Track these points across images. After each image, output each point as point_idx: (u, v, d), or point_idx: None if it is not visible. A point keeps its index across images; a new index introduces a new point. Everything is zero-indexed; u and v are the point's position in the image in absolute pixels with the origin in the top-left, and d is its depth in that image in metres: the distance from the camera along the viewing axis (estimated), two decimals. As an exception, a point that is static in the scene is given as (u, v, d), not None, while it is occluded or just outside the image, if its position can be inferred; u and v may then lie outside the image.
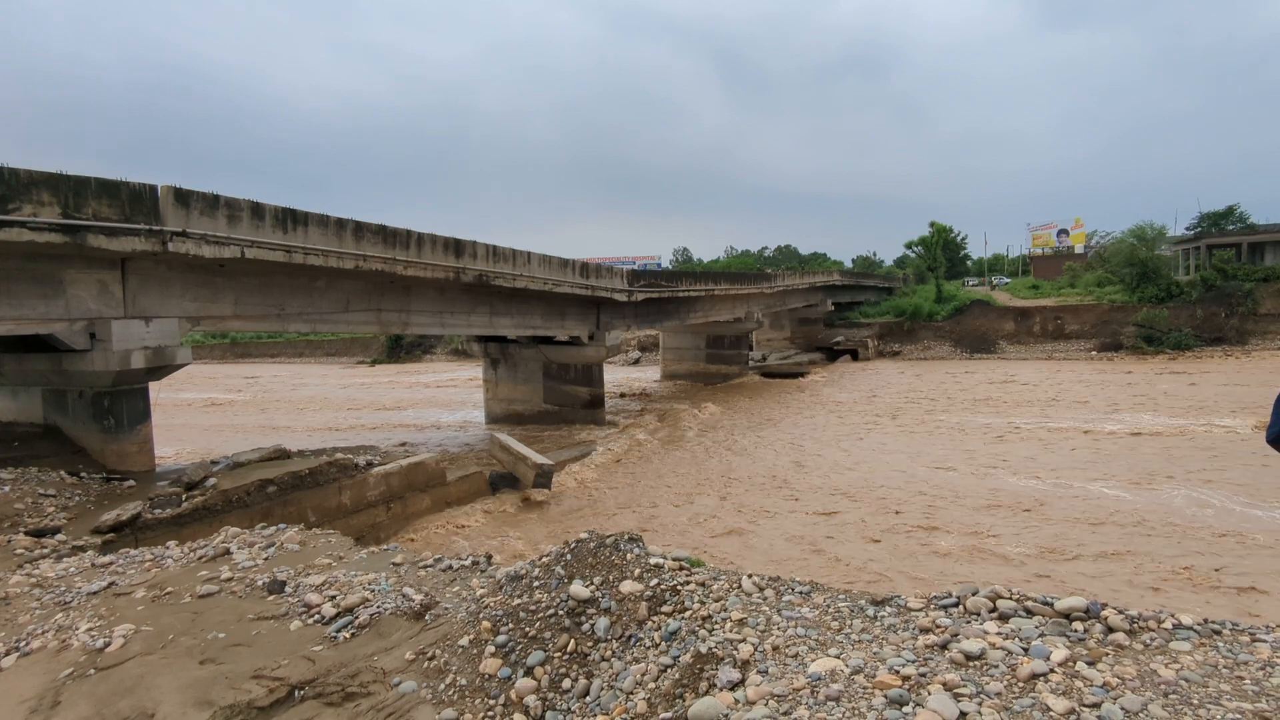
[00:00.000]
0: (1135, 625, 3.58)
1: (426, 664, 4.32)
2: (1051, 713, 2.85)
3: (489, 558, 6.51)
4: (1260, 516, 13.09)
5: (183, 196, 11.86)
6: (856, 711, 2.96)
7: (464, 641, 4.37)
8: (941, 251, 66.80)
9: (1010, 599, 3.90)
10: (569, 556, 4.80)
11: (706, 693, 3.33)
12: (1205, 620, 3.64)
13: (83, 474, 11.51)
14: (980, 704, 2.94)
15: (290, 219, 13.74)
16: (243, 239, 12.78)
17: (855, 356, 50.10)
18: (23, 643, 4.97)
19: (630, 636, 4.01)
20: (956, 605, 3.94)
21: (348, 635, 4.83)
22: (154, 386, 13.82)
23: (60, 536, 8.75)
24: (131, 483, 11.71)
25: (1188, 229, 62.54)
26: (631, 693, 3.58)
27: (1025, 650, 3.35)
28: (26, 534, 8.65)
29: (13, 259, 10.73)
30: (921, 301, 55.48)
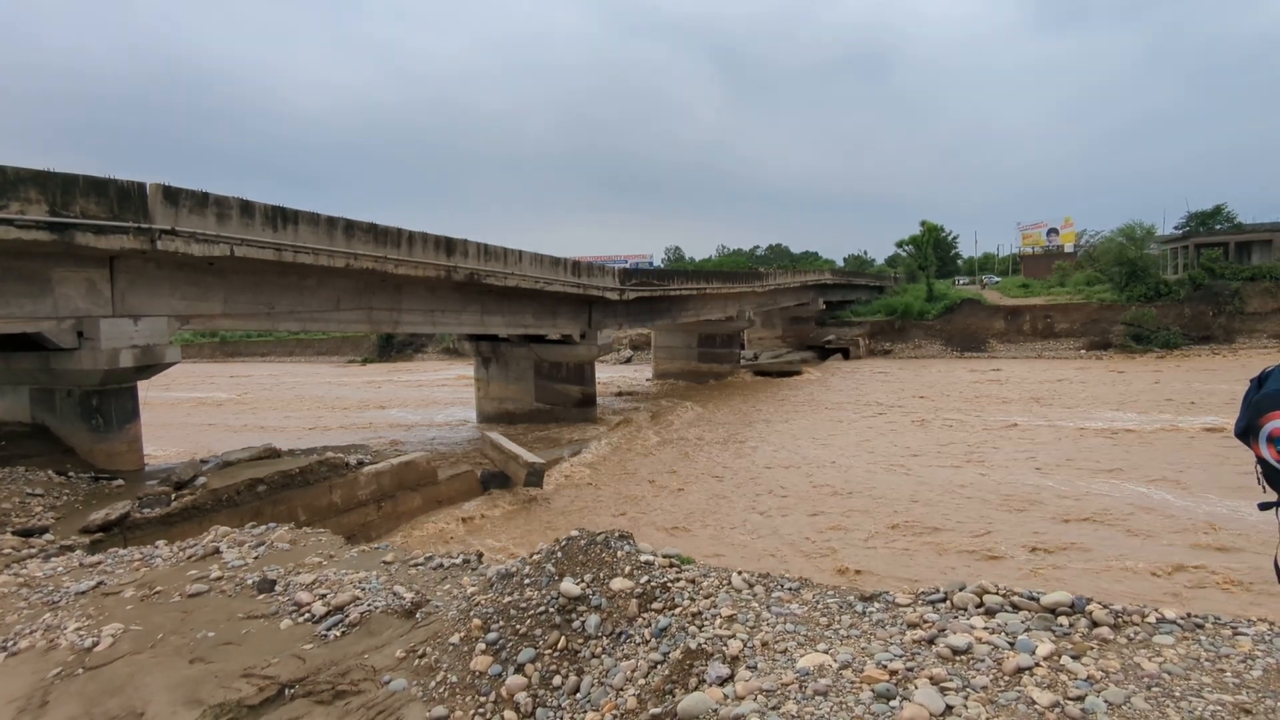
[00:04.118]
0: (1119, 620, 3.63)
1: (417, 662, 4.32)
2: (1036, 705, 2.89)
3: (480, 556, 6.51)
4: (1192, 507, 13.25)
5: (171, 194, 11.79)
6: (844, 705, 2.99)
7: (455, 639, 4.38)
8: (932, 250, 67.17)
9: (997, 594, 3.94)
10: (559, 554, 4.81)
11: (696, 688, 3.35)
12: (1188, 614, 3.69)
13: (71, 473, 11.43)
14: (966, 697, 2.97)
15: (280, 217, 13.69)
16: (232, 237, 12.72)
17: (847, 355, 50.29)
18: (10, 642, 4.94)
19: (620, 633, 4.03)
20: (944, 601, 3.98)
21: (338, 633, 4.82)
22: (142, 385, 13.74)
23: (48, 536, 8.69)
24: (120, 482, 11.64)
25: (1176, 228, 63.10)
26: (622, 689, 3.60)
27: (1011, 645, 3.39)
28: (14, 534, 8.59)
29: (0, 256, 10.65)
30: (912, 300, 55.73)
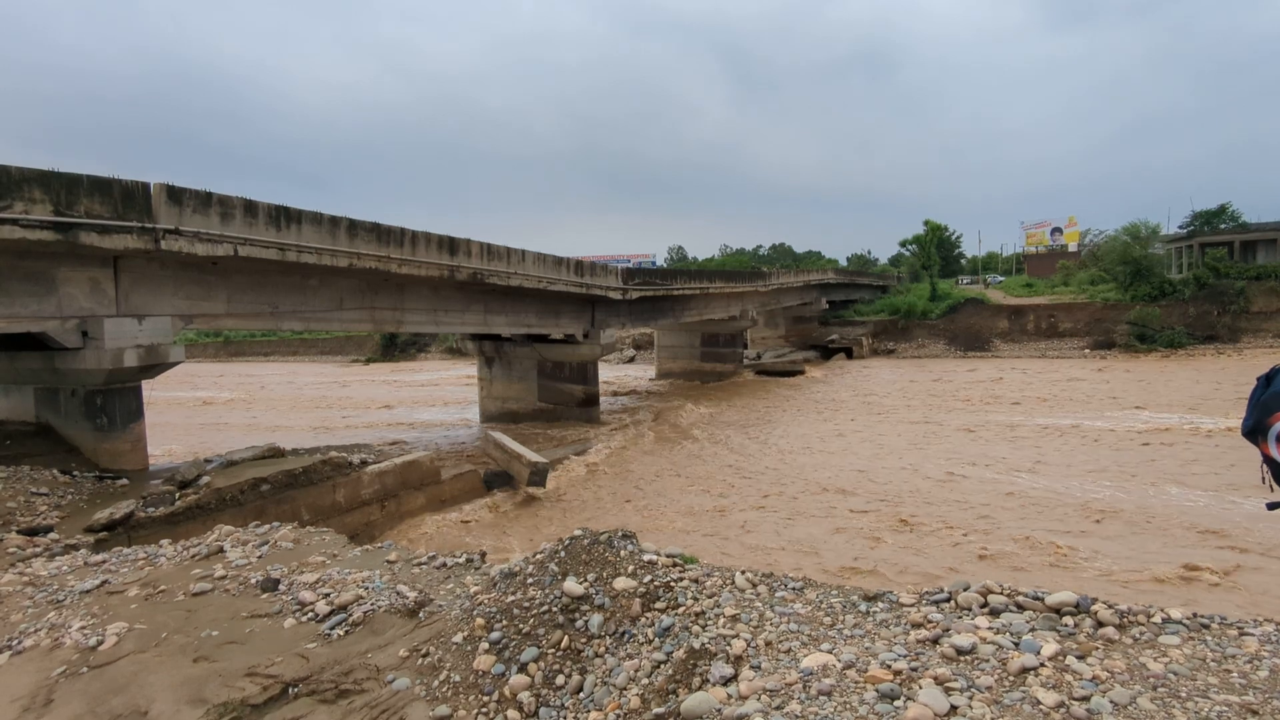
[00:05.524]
0: (1125, 619, 3.61)
1: (420, 661, 4.32)
2: (1041, 706, 2.88)
3: (483, 555, 6.51)
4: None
5: (175, 194, 11.81)
6: (848, 705, 2.98)
7: (458, 638, 4.38)
8: (936, 250, 67.19)
9: (1001, 594, 3.93)
10: (563, 553, 4.81)
11: (699, 688, 3.34)
12: (1194, 614, 3.68)
13: (75, 473, 11.46)
14: (971, 698, 2.96)
15: (283, 216, 13.70)
16: (236, 237, 12.74)
17: (850, 355, 50.17)
18: (15, 641, 4.96)
19: (624, 633, 4.02)
20: (948, 600, 3.97)
21: (341, 633, 4.83)
22: (146, 385, 13.77)
23: (53, 535, 8.71)
24: (124, 481, 11.67)
25: (1181, 227, 62.96)
26: (625, 688, 3.59)
27: (1016, 645, 3.38)
28: (19, 533, 8.61)
29: (5, 256, 10.68)
30: (916, 300, 55.62)
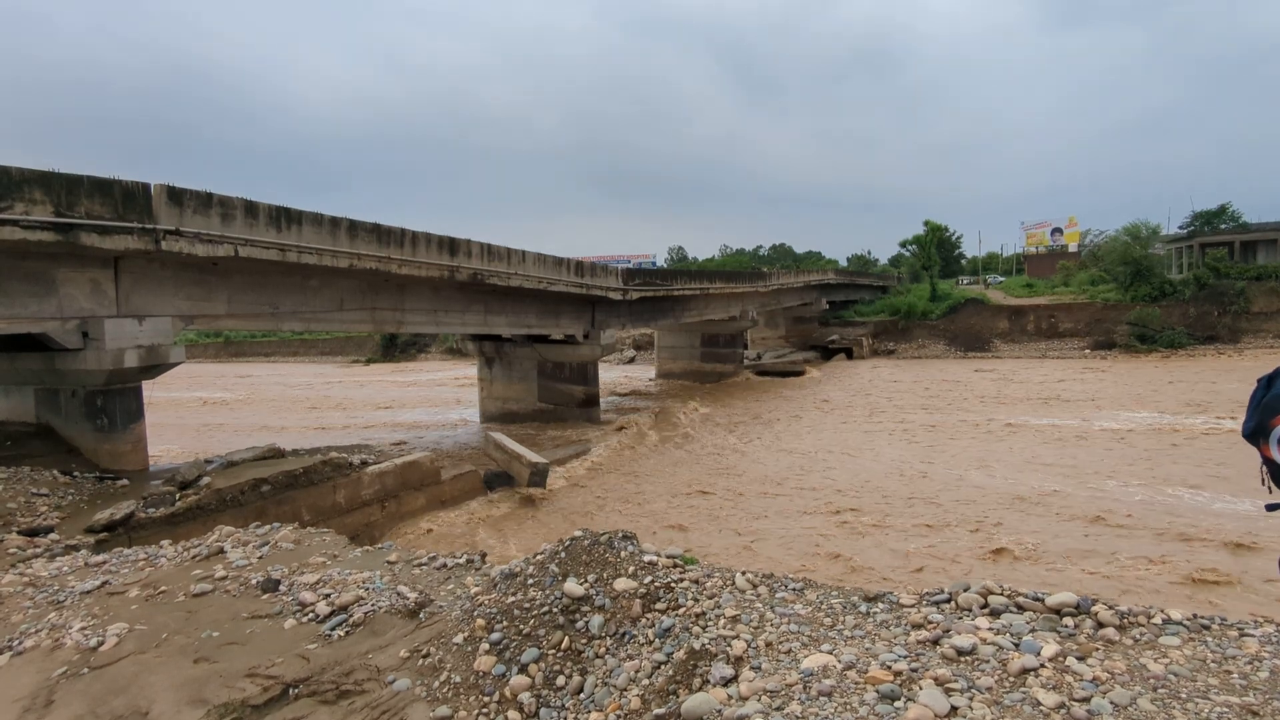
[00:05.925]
0: (1125, 620, 3.61)
1: (421, 661, 4.32)
2: (1042, 707, 2.88)
3: (483, 556, 6.51)
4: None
5: (176, 195, 11.82)
6: (848, 706, 2.98)
7: (458, 639, 4.38)
8: (936, 250, 67.10)
9: (1001, 595, 3.93)
10: (563, 554, 4.81)
11: (700, 689, 3.35)
12: (1194, 615, 3.68)
13: (76, 473, 11.47)
14: (971, 698, 2.97)
15: (284, 217, 13.71)
16: (236, 237, 12.74)
17: (850, 355, 50.16)
18: (16, 642, 4.96)
19: (624, 634, 4.02)
20: (948, 601, 3.97)
21: (342, 633, 4.83)
22: (147, 385, 13.78)
23: (53, 536, 8.71)
24: (125, 482, 11.67)
25: (1181, 228, 63.01)
26: (625, 689, 3.60)
27: (1016, 645, 3.38)
28: (19, 533, 8.62)
29: (5, 257, 10.69)
30: (916, 300, 55.60)
